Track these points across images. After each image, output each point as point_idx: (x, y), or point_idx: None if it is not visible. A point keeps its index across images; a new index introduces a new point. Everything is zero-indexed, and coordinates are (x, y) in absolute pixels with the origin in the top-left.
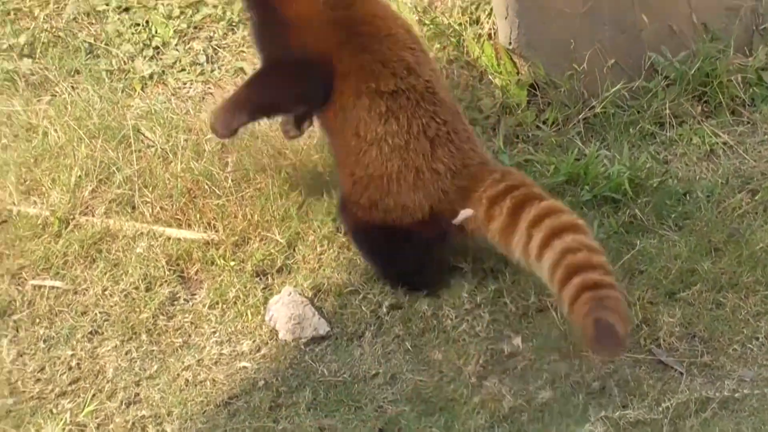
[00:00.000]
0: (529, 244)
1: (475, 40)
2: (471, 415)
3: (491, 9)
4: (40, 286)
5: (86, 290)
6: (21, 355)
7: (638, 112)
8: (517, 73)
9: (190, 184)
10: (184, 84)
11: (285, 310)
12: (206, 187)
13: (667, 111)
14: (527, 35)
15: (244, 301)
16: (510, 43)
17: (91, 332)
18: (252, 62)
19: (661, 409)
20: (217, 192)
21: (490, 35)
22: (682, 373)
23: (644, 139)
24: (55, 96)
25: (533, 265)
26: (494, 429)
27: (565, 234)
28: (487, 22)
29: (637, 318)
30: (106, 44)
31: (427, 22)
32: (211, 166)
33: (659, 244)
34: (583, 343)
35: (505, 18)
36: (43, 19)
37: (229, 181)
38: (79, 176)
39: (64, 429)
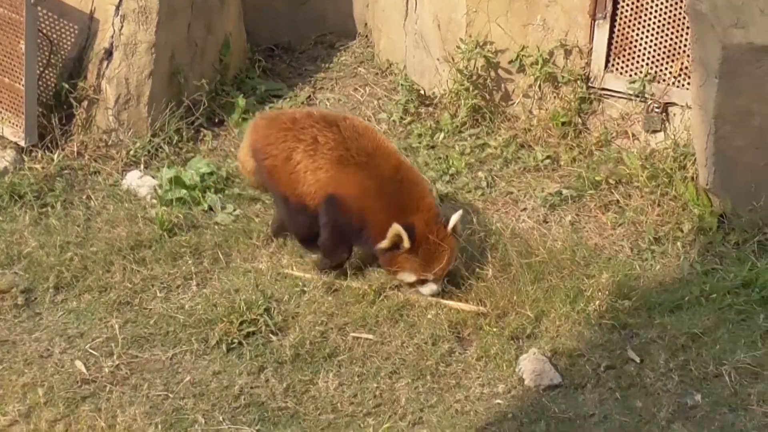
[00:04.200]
0: None
1: (682, 180)
2: None
3: (695, 159)
4: (357, 338)
5: (390, 342)
6: (341, 385)
7: None
8: (711, 206)
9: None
10: (469, 201)
11: (530, 365)
12: (479, 272)
13: None
14: (720, 179)
15: (501, 356)
16: (707, 184)
17: (391, 372)
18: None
19: None
20: (485, 277)
21: (693, 178)
22: None
23: None
24: None
25: None
26: None
27: None
28: (691, 168)
29: None
30: None
31: (647, 166)
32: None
33: None
34: None
35: (705, 166)
36: None
37: (490, 270)
38: None
39: None
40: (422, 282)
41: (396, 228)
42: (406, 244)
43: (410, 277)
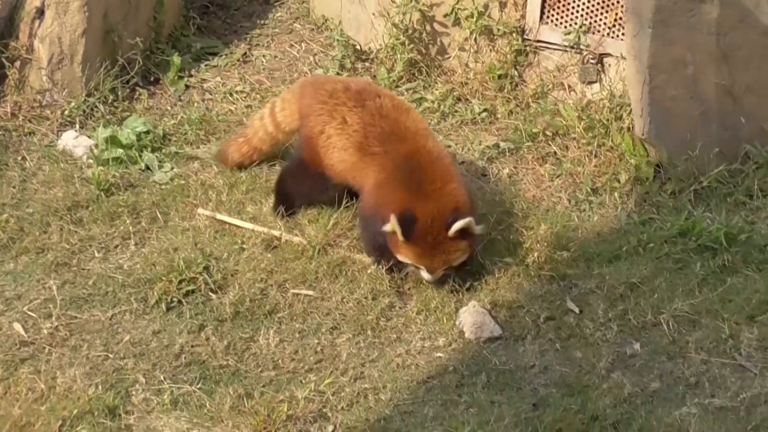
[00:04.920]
0: None
1: (618, 131)
2: (600, 398)
3: (630, 109)
4: (297, 294)
5: (330, 298)
6: (282, 342)
7: (734, 186)
8: (647, 155)
9: None
10: None
11: (470, 317)
12: None
13: (756, 187)
14: (656, 129)
15: (442, 310)
16: (643, 134)
17: (332, 328)
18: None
19: (739, 399)
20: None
21: (629, 128)
22: (756, 374)
23: (737, 206)
24: None
25: None
26: (616, 408)
27: None
28: (627, 119)
29: (724, 333)
30: None
31: (584, 117)
32: None
33: (744, 281)
34: None
35: (640, 116)
36: None
37: None
38: (336, 221)
39: (309, 394)
40: (417, 267)
41: (393, 221)
42: (399, 237)
43: (406, 260)
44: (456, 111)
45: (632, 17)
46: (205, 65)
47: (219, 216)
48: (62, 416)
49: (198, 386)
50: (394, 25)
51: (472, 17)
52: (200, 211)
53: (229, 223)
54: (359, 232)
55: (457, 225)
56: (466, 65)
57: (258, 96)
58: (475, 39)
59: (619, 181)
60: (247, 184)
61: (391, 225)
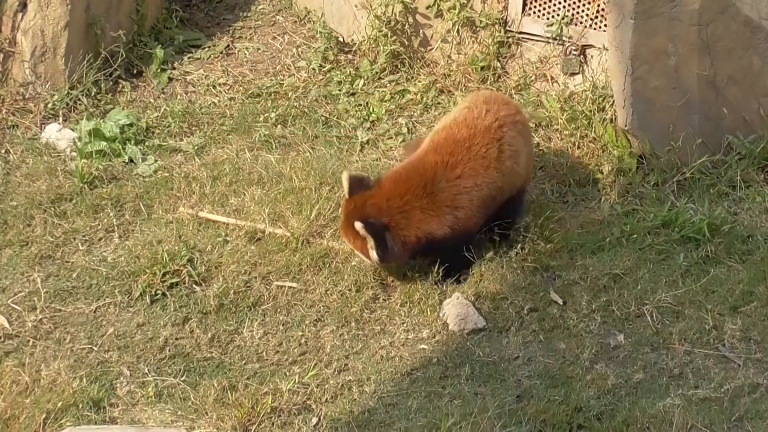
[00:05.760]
0: None
1: (601, 122)
2: (584, 389)
3: (613, 100)
4: (281, 286)
5: (314, 290)
6: (266, 334)
7: (717, 177)
8: (630, 147)
9: None
10: (390, 148)
11: (454, 309)
12: None
13: (739, 178)
14: (638, 120)
15: (425, 301)
16: (626, 125)
17: (316, 320)
18: None
19: (723, 390)
20: None
21: (611, 119)
22: (739, 365)
23: (720, 197)
24: (299, 153)
25: None
26: (600, 399)
27: None
28: (610, 110)
29: (708, 324)
30: (337, 118)
31: (567, 108)
32: None
33: (727, 272)
34: None
35: (623, 107)
36: (294, 99)
37: None
38: (319, 211)
39: (294, 387)
40: None
41: (345, 176)
42: (345, 193)
43: None
44: (439, 103)
45: (614, 8)
46: (188, 58)
47: (202, 213)
48: (47, 409)
49: (182, 379)
50: (376, 17)
51: (455, 9)
52: (182, 209)
53: (213, 220)
54: None
55: (357, 224)
56: (449, 57)
57: (241, 88)
58: (458, 31)
59: (602, 173)
60: (231, 176)
61: (346, 178)
